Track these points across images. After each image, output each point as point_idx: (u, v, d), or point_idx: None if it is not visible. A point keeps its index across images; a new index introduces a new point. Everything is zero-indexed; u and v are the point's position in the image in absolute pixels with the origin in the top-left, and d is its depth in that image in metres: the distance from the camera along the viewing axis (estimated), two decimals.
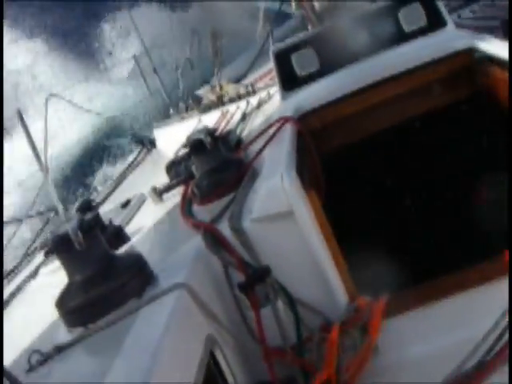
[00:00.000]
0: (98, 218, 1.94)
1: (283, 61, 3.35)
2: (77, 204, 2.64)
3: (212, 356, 1.76)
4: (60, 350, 1.77)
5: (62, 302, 1.86)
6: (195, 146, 2.52)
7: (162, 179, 3.40)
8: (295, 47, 3.36)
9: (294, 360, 1.94)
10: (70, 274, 1.87)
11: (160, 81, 6.61)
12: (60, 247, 1.84)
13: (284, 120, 2.69)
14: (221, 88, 5.01)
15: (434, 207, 2.67)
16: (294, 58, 3.32)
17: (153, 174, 4.78)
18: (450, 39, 3.00)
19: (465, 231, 2.52)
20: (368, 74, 2.95)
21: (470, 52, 2.74)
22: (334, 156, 2.74)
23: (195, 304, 1.79)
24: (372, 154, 2.85)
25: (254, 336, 1.97)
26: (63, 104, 5.55)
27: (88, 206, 2.56)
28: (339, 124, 2.83)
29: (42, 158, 5.04)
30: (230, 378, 1.83)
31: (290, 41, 3.52)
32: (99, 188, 5.24)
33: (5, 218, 5.04)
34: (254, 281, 1.98)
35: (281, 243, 2.11)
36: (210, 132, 2.55)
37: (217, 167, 2.54)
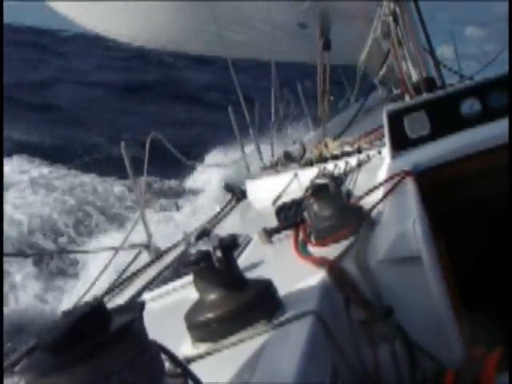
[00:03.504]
0: (235, 239, 2.04)
1: (395, 121, 3.45)
2: (195, 233, 2.75)
3: None
4: (189, 361, 1.85)
5: (192, 316, 1.95)
6: (319, 188, 2.63)
7: (255, 228, 3.48)
8: (408, 110, 3.46)
9: None
10: (204, 290, 1.96)
11: (255, 137, 6.81)
12: (200, 262, 1.93)
13: (405, 173, 2.78)
14: (326, 145, 5.13)
15: None
16: (407, 120, 3.42)
17: (244, 222, 4.89)
18: None
19: None
20: (480, 141, 3.02)
21: None
22: (446, 215, 2.80)
23: (324, 333, 1.85)
24: (482, 217, 2.90)
25: (368, 374, 2.03)
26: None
27: (207, 234, 2.67)
28: (453, 185, 2.90)
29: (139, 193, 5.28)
30: None
31: (403, 103, 3.64)
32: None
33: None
34: (374, 319, 2.06)
35: (404, 286, 2.18)
36: (334, 177, 2.67)
37: (337, 212, 2.63)
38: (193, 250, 1.97)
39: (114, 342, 1.20)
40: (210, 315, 1.90)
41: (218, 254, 1.90)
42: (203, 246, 1.96)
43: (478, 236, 2.75)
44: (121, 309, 1.33)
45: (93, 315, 1.22)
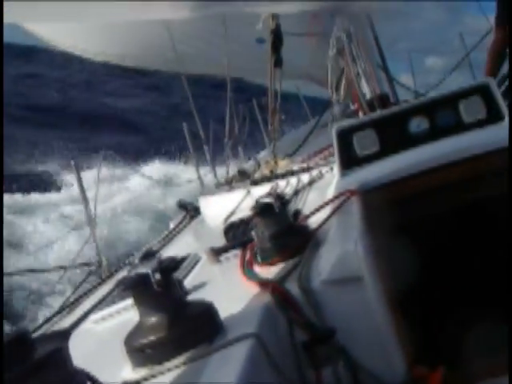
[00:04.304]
0: (175, 262, 2.01)
1: (345, 140, 3.45)
2: (140, 253, 2.72)
3: None
4: None
5: (131, 340, 1.92)
6: (264, 208, 2.61)
7: (206, 246, 3.46)
8: (357, 128, 3.46)
9: None
10: (143, 313, 1.93)
11: (208, 152, 6.81)
12: (138, 286, 1.91)
13: (350, 193, 2.78)
14: (275, 162, 5.13)
15: (491, 286, 2.71)
16: (356, 138, 3.42)
17: (196, 240, 4.86)
18: (507, 133, 3.08)
19: None
20: (427, 159, 3.04)
21: None
22: (393, 233, 2.81)
23: (264, 356, 1.83)
24: (430, 235, 2.92)
25: None
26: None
27: (152, 255, 2.64)
28: (398, 203, 2.91)
29: (92, 212, 5.22)
30: None
31: (352, 121, 3.64)
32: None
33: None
34: (317, 341, 2.04)
35: (347, 307, 2.17)
36: (279, 197, 2.65)
37: (282, 231, 2.62)
38: (137, 271, 1.94)
39: (36, 371, 1.17)
40: (149, 339, 1.87)
41: (157, 276, 1.88)
42: (143, 267, 1.93)
43: (423, 254, 2.76)
44: (47, 337, 1.30)
45: (15, 344, 1.19)
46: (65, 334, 1.27)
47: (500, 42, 6.33)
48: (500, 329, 2.37)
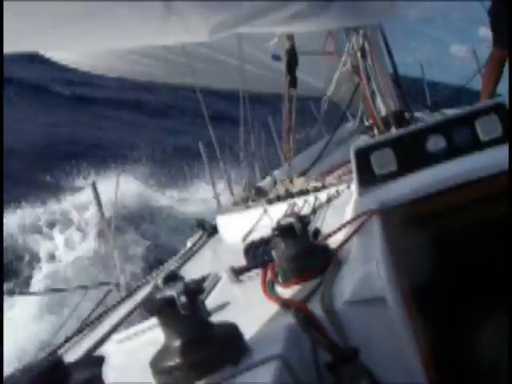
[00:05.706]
0: (201, 285, 2.03)
1: (363, 159, 3.47)
2: (163, 274, 2.74)
3: None
4: None
5: (158, 362, 1.94)
6: (285, 229, 2.64)
7: (225, 265, 3.48)
8: (375, 147, 3.48)
9: None
10: (169, 335, 1.95)
11: (224, 170, 6.84)
12: (164, 309, 1.93)
13: (371, 213, 2.80)
14: (291, 181, 5.15)
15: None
16: (374, 157, 3.44)
17: (215, 259, 4.89)
18: None
19: None
20: (445, 178, 3.05)
21: None
22: (414, 252, 2.82)
23: (290, 378, 1.85)
24: (448, 254, 2.93)
25: None
26: None
27: (175, 276, 2.66)
28: (418, 222, 2.92)
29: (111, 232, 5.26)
30: None
31: (370, 140, 3.67)
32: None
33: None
34: (341, 361, 2.05)
35: (370, 327, 2.18)
36: (300, 218, 2.67)
37: (304, 252, 2.64)
38: (159, 294, 1.96)
39: None
40: (175, 362, 1.89)
41: (183, 299, 1.89)
42: (168, 290, 1.95)
43: (445, 272, 2.77)
44: (81, 363, 1.33)
45: (52, 372, 1.21)
46: (99, 360, 1.30)
47: (500, 64, 6.30)
48: None
